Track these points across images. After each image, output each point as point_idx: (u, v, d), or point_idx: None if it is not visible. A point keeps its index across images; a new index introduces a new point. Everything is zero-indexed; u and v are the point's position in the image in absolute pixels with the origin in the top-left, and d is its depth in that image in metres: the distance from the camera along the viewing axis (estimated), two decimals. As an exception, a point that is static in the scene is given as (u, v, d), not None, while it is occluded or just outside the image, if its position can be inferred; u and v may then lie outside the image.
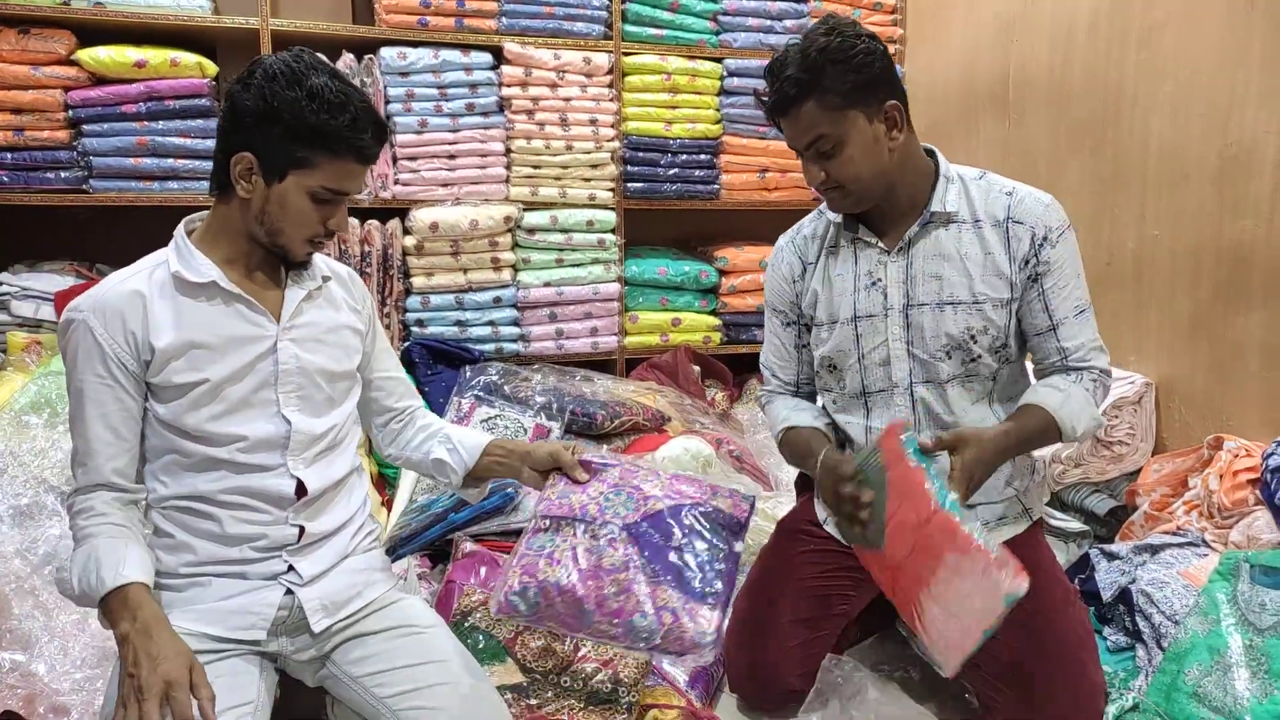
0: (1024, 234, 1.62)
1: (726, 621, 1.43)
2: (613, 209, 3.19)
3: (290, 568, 1.36)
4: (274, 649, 1.36)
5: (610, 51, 3.14)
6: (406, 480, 2.40)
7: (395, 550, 2.16)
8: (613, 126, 3.15)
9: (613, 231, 3.18)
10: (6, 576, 1.72)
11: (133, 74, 2.68)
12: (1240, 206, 2.22)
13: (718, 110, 3.30)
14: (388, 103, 2.93)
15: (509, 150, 3.06)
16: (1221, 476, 2.05)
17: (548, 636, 1.70)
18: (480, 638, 1.70)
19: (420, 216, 2.91)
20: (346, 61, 2.87)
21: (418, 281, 2.98)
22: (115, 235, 2.74)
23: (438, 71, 2.96)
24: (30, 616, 1.66)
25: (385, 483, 2.56)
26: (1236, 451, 2.08)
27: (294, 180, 1.31)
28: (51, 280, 2.72)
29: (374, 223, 2.91)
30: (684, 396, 2.99)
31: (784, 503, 2.36)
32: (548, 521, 1.43)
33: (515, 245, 3.09)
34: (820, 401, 1.85)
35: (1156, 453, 2.47)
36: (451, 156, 3.01)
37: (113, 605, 1.20)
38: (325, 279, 1.47)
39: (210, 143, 1.34)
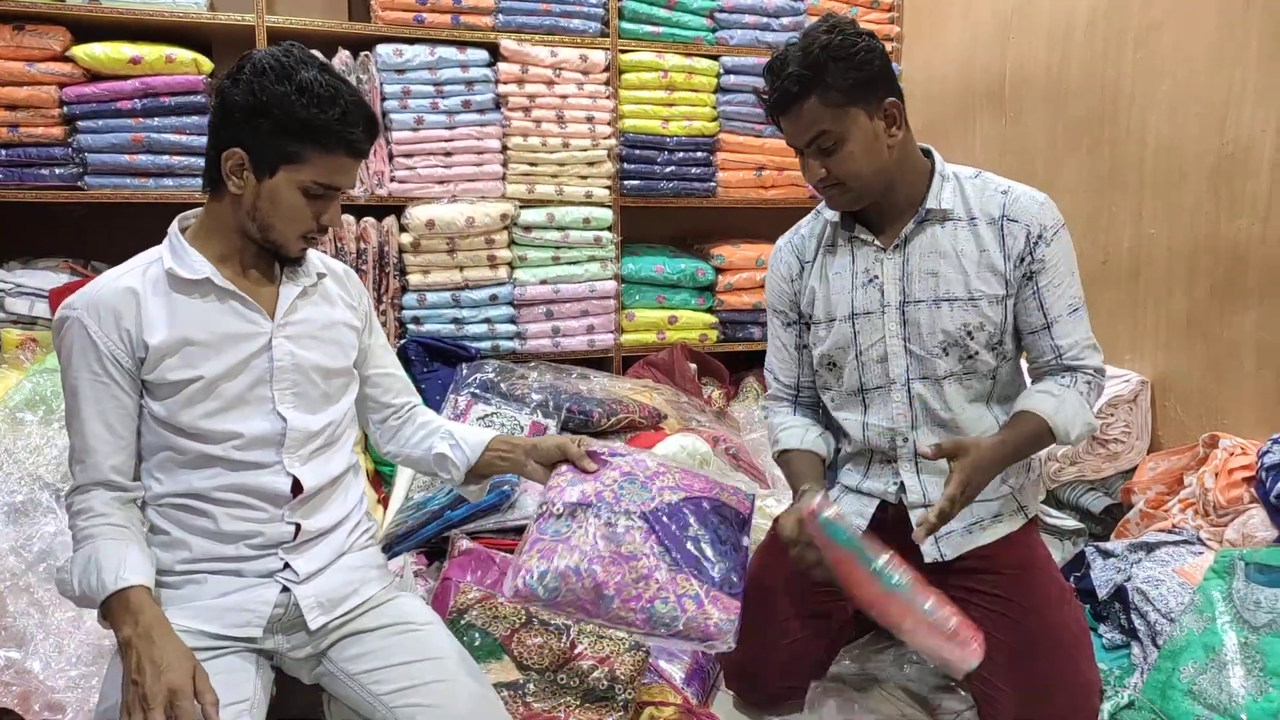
0: (1019, 232, 1.63)
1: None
2: (609, 207, 3.18)
3: (286, 565, 1.36)
4: (270, 646, 1.36)
5: (607, 49, 3.13)
6: (403, 478, 2.40)
7: (391, 548, 2.16)
8: (609, 124, 3.15)
9: (609, 229, 3.18)
10: (1, 574, 1.72)
11: (128, 70, 2.67)
12: (1237, 205, 2.23)
13: (714, 108, 3.29)
14: (384, 100, 2.92)
15: (505, 147, 3.06)
16: (1217, 474, 2.06)
17: (545, 634, 1.70)
18: (476, 635, 1.70)
19: (416, 214, 2.90)
20: (342, 58, 2.86)
21: (414, 279, 2.98)
22: (110, 232, 2.73)
23: (434, 68, 2.95)
24: (25, 614, 1.66)
25: (381, 480, 2.56)
26: (1232, 449, 2.09)
27: (285, 175, 1.30)
28: (46, 277, 2.71)
29: (370, 220, 2.91)
30: (681, 394, 2.99)
31: (781, 500, 2.37)
32: (560, 507, 1.42)
33: (512, 243, 3.09)
34: (823, 400, 1.85)
35: (1152, 451, 2.47)
36: (448, 154, 3.00)
37: (114, 608, 1.20)
38: (320, 275, 1.47)
39: (205, 140, 1.34)
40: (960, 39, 3.22)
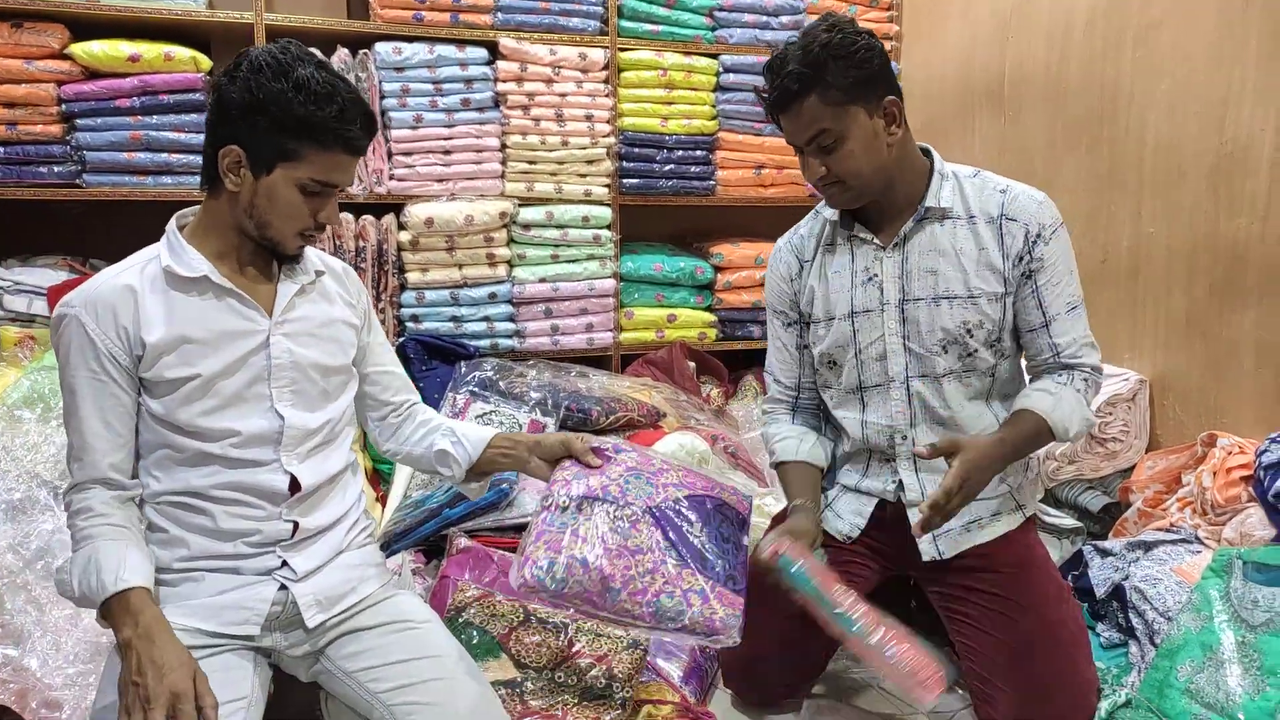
0: (1018, 230, 1.64)
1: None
2: (608, 205, 3.18)
3: (284, 563, 1.36)
4: (267, 644, 1.36)
5: (606, 47, 3.13)
6: (401, 476, 2.40)
7: (390, 546, 2.16)
8: (608, 122, 3.14)
9: (608, 228, 3.18)
10: (-1, 571, 1.72)
11: (126, 68, 2.66)
12: (1236, 204, 2.23)
13: (714, 106, 3.29)
14: (383, 98, 2.92)
15: (504, 146, 3.05)
16: (1215, 473, 2.06)
17: (543, 632, 1.70)
18: (474, 633, 1.70)
19: (415, 212, 2.90)
20: (341, 56, 2.86)
21: (413, 277, 2.98)
22: (109, 230, 2.73)
23: (433, 67, 2.95)
24: (23, 611, 1.66)
25: (380, 478, 2.56)
26: (1230, 449, 2.09)
27: (282, 172, 1.30)
28: (44, 275, 2.71)
29: (369, 218, 2.90)
30: (679, 393, 2.99)
31: (780, 500, 2.36)
32: (567, 500, 1.42)
33: (510, 241, 3.09)
34: (823, 398, 1.85)
35: (1150, 450, 2.47)
36: (447, 152, 3.00)
37: (114, 609, 1.20)
38: (319, 273, 1.47)
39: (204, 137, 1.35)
40: (959, 38, 3.22)
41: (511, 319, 3.12)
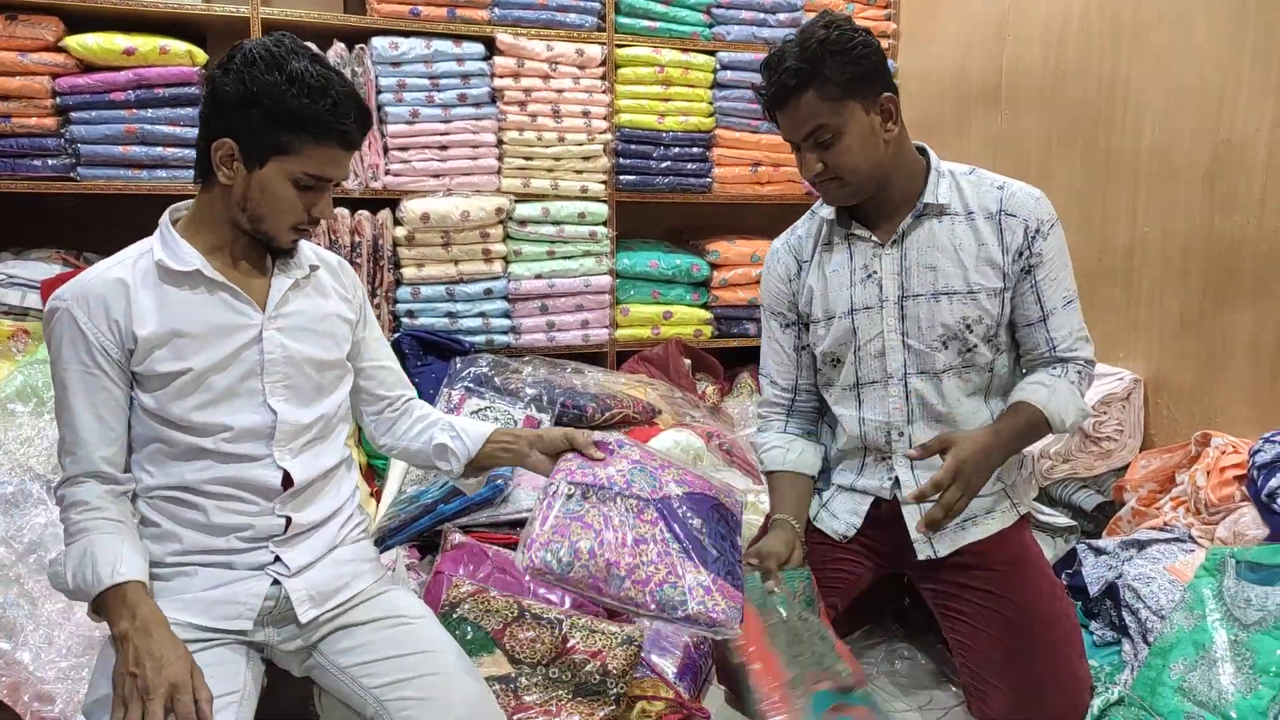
0: (1017, 226, 1.65)
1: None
2: (605, 201, 3.18)
3: (277, 558, 1.36)
4: (260, 639, 1.35)
5: (603, 43, 3.13)
6: (396, 471, 2.40)
7: (384, 541, 2.15)
8: (605, 119, 3.14)
9: (604, 224, 3.17)
10: (-9, 565, 1.71)
11: (121, 61, 2.65)
12: (1230, 204, 2.23)
13: (711, 103, 3.29)
14: (379, 93, 2.91)
15: (501, 142, 3.05)
16: (1209, 473, 2.06)
17: (537, 627, 1.70)
18: (469, 629, 1.70)
19: (411, 207, 2.89)
20: (338, 51, 2.85)
21: (408, 272, 2.97)
22: (103, 223, 2.72)
23: (429, 62, 2.94)
24: (15, 605, 1.65)
25: (374, 474, 2.56)
26: (1224, 448, 2.09)
27: (275, 166, 1.29)
28: (38, 268, 2.70)
29: (364, 213, 2.90)
30: (675, 390, 2.99)
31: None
32: (572, 488, 1.43)
33: (507, 237, 3.08)
34: (824, 396, 1.85)
35: (1144, 449, 2.48)
36: (443, 147, 3.00)
37: (109, 603, 1.19)
38: (314, 268, 1.46)
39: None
40: (956, 36, 3.22)
41: (507, 315, 3.11)
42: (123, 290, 1.29)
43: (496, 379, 2.62)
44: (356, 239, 2.89)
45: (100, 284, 1.29)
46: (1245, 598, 1.63)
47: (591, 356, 3.20)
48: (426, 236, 2.95)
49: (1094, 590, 1.92)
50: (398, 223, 2.94)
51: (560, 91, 3.08)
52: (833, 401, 1.81)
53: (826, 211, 1.78)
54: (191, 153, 1.37)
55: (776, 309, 1.86)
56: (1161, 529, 2.07)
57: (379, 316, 2.95)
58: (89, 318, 1.27)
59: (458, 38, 2.99)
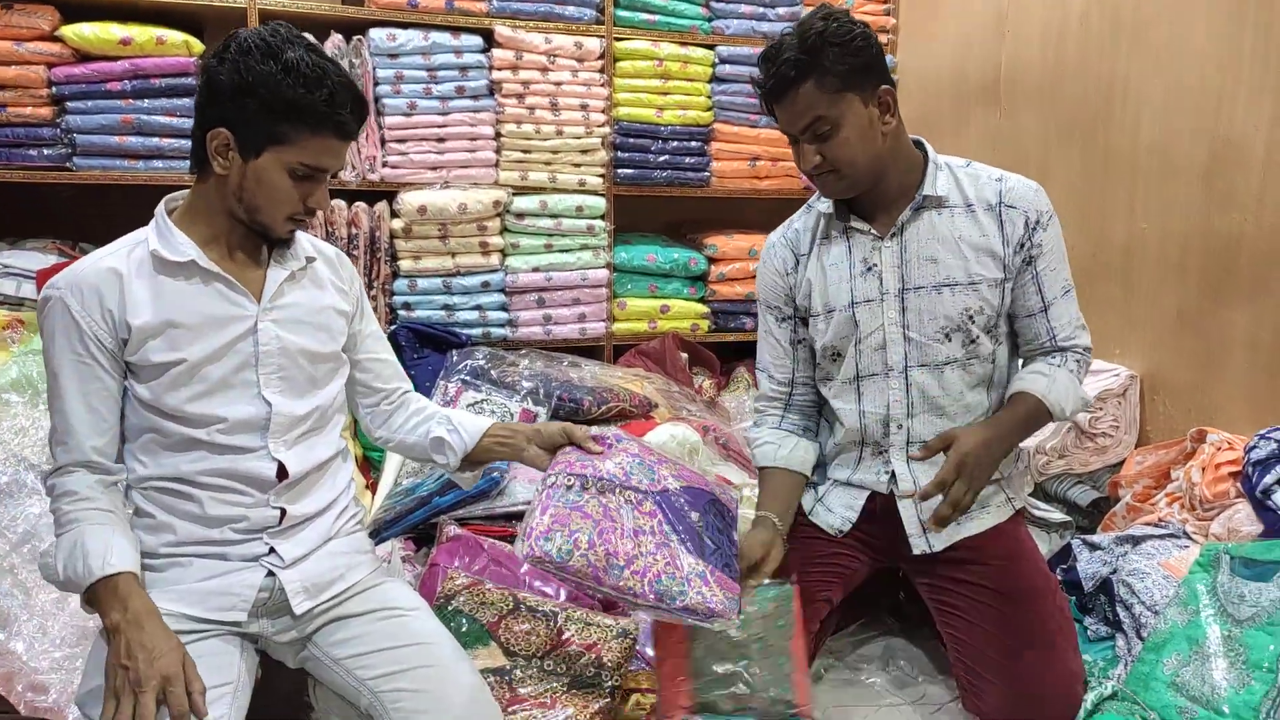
0: (1017, 218, 1.66)
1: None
2: (602, 195, 3.17)
3: (271, 550, 1.36)
4: (255, 630, 1.35)
5: (602, 36, 3.12)
6: (391, 463, 2.39)
7: (379, 533, 2.15)
8: (603, 112, 3.13)
9: (602, 218, 3.17)
10: (-15, 555, 1.71)
11: (118, 51, 2.64)
12: (1228, 201, 2.23)
13: (709, 97, 3.28)
14: (377, 84, 2.90)
15: (499, 134, 3.04)
16: (1204, 469, 2.07)
17: (532, 620, 1.70)
18: (464, 621, 1.70)
19: (408, 199, 2.89)
20: (335, 42, 2.84)
21: (405, 265, 2.97)
22: (99, 213, 2.71)
23: (427, 54, 2.93)
24: (9, 595, 1.65)
25: (370, 465, 2.55)
26: (1219, 444, 2.10)
27: (271, 156, 1.29)
28: (33, 258, 2.69)
29: (361, 205, 2.89)
30: (671, 383, 2.99)
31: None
32: (571, 480, 1.44)
33: (504, 230, 3.08)
34: (821, 391, 1.86)
35: (1140, 445, 2.48)
36: (441, 140, 2.99)
37: (101, 594, 1.19)
38: (310, 259, 1.45)
39: (194, 121, 1.36)
40: (955, 32, 3.21)
41: (504, 308, 3.11)
42: (117, 280, 1.28)
43: (493, 372, 2.62)
44: (353, 231, 2.88)
45: (94, 273, 1.28)
46: (1239, 593, 1.64)
47: (588, 350, 3.20)
48: (424, 229, 2.94)
49: (1088, 585, 1.92)
50: (395, 215, 2.93)
51: (558, 84, 3.07)
52: (831, 395, 1.81)
53: (824, 205, 1.78)
54: (188, 143, 1.36)
55: (773, 303, 1.86)
56: (1156, 525, 2.08)
57: (375, 309, 2.94)
58: (82, 307, 1.26)
59: (456, 29, 2.98)
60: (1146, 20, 2.44)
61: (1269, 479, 1.89)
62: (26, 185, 2.68)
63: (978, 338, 1.69)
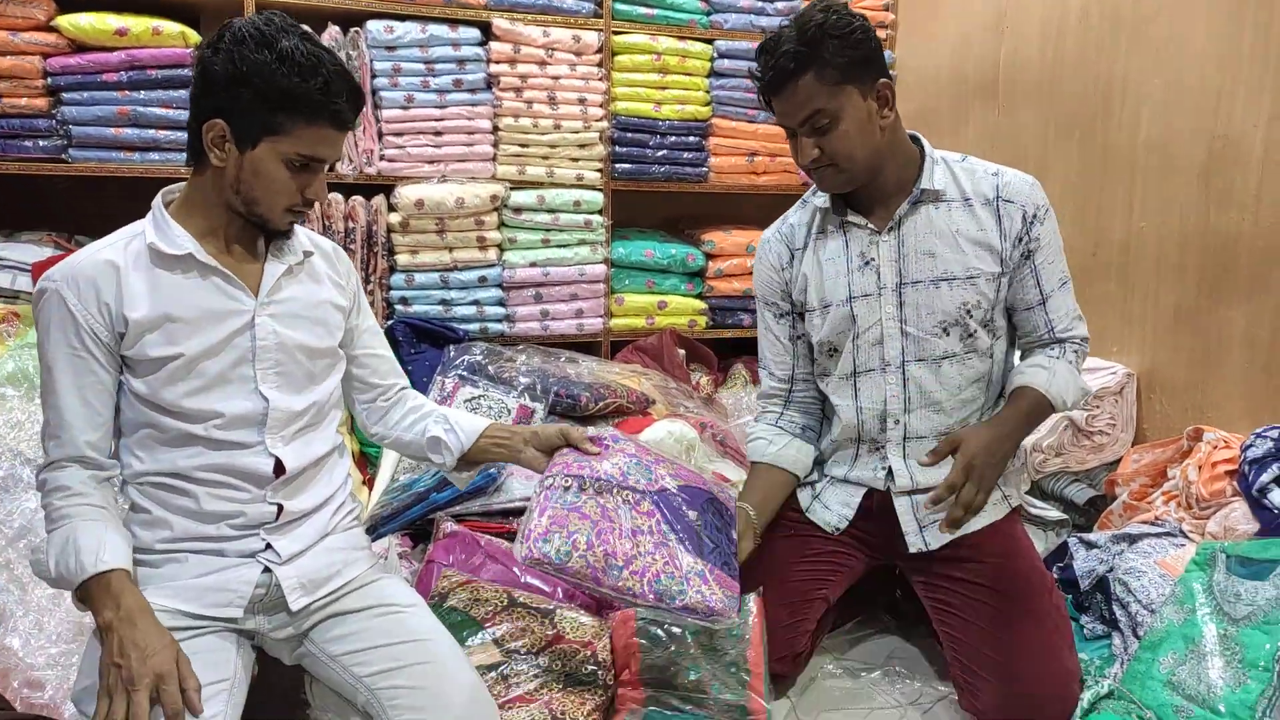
0: (1015, 212, 1.67)
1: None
2: (600, 190, 3.16)
3: (268, 546, 1.35)
4: (251, 627, 1.35)
5: (600, 30, 3.11)
6: (388, 459, 2.39)
7: (376, 529, 2.15)
8: (601, 106, 3.12)
9: (600, 213, 3.16)
10: (-20, 550, 1.70)
11: (114, 42, 2.63)
12: (1226, 200, 2.23)
13: (708, 92, 3.27)
14: (374, 77, 2.89)
15: (496, 128, 3.03)
16: (1200, 468, 2.07)
17: (527, 617, 1.70)
18: (458, 618, 1.69)
19: (405, 193, 2.88)
20: (332, 34, 2.83)
21: (402, 259, 2.95)
22: (95, 206, 2.70)
23: (425, 46, 2.92)
24: (5, 590, 1.64)
25: (367, 461, 2.55)
26: (1216, 443, 2.10)
27: (267, 147, 1.27)
28: (29, 250, 2.68)
29: (358, 199, 2.88)
30: (669, 380, 2.99)
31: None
32: (569, 481, 1.44)
33: (501, 224, 3.07)
34: (820, 387, 1.86)
35: (1136, 443, 2.48)
36: (438, 133, 2.98)
37: (93, 591, 1.18)
38: (308, 254, 1.45)
39: (190, 112, 1.35)
40: (954, 29, 3.21)
41: (501, 303, 3.10)
42: (113, 273, 1.27)
43: (490, 367, 2.61)
44: (350, 225, 2.87)
45: (91, 266, 1.27)
46: (1235, 592, 1.64)
47: (586, 346, 3.19)
48: (421, 223, 2.93)
49: (1085, 584, 1.92)
50: (392, 209, 2.92)
51: (556, 78, 3.06)
52: (829, 391, 1.81)
53: (820, 199, 1.77)
54: (184, 135, 1.35)
55: (770, 299, 1.86)
56: (1153, 523, 2.08)
57: (372, 303, 2.93)
58: (79, 300, 1.25)
59: (454, 22, 2.96)
60: (1146, 18, 2.44)
61: (1265, 477, 1.89)
62: (22, 177, 2.67)
63: (975, 332, 1.69)
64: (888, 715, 1.76)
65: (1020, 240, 1.68)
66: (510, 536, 2.04)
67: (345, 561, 1.43)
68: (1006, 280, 1.70)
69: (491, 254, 3.05)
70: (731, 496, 1.66)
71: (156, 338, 1.28)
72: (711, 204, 3.57)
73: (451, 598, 1.72)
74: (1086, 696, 1.62)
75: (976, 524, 1.71)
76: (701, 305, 3.34)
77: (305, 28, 1.31)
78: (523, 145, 3.06)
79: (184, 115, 2.68)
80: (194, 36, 2.70)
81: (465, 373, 2.57)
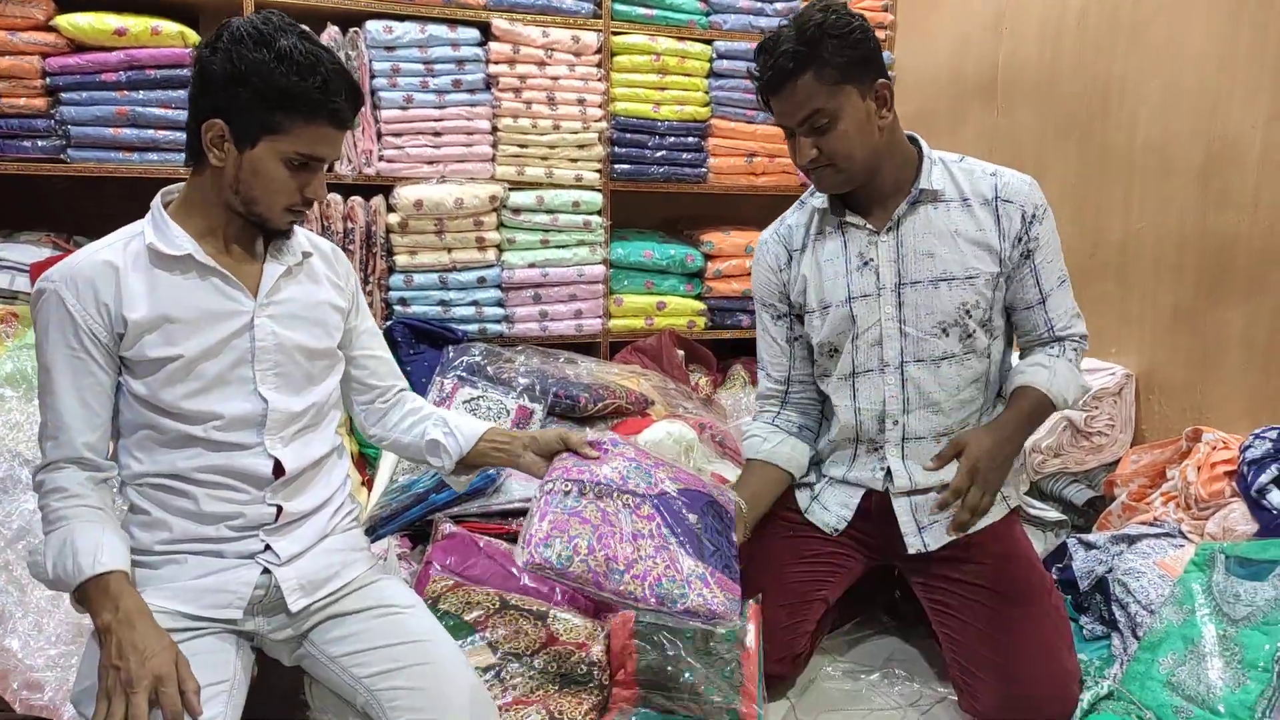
0: (1014, 212, 1.67)
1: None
2: (599, 190, 3.16)
3: (267, 547, 1.35)
4: (250, 628, 1.34)
5: (599, 30, 3.10)
6: (387, 460, 2.39)
7: (375, 530, 2.15)
8: (600, 107, 3.12)
9: (599, 213, 3.16)
10: (-21, 551, 1.70)
11: (113, 42, 2.62)
12: (1224, 200, 2.24)
13: (707, 93, 3.27)
14: (373, 77, 2.89)
15: (495, 129, 3.03)
16: (1199, 468, 2.07)
17: (521, 619, 1.70)
18: (451, 622, 1.69)
19: (404, 194, 2.87)
20: (331, 34, 2.82)
21: (401, 260, 2.95)
22: (93, 206, 2.70)
23: (424, 46, 2.92)
24: (4, 591, 1.64)
25: (366, 462, 2.55)
26: (1214, 444, 2.10)
27: (266, 146, 1.27)
28: (27, 251, 2.67)
29: (357, 199, 2.88)
30: (668, 380, 2.99)
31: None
32: (569, 485, 1.44)
33: (500, 225, 3.06)
34: (820, 387, 1.86)
35: (1135, 444, 2.49)
36: (437, 134, 2.97)
37: (91, 594, 1.18)
38: (306, 255, 1.44)
39: (189, 112, 1.34)
40: (953, 30, 3.21)
41: (500, 304, 3.10)
42: (112, 273, 1.27)
43: (489, 368, 2.61)
44: (349, 225, 2.87)
45: (89, 266, 1.27)
46: (1234, 593, 1.64)
47: (584, 346, 3.19)
48: (420, 224, 2.93)
49: (1084, 584, 1.93)
50: (391, 209, 2.92)
51: (555, 79, 3.06)
52: (830, 391, 1.81)
53: (818, 200, 1.77)
54: (183, 135, 1.35)
55: (768, 300, 1.86)
56: (1152, 524, 2.08)
57: (371, 304, 2.93)
58: (77, 300, 1.25)
59: (453, 22, 2.96)
60: (1144, 19, 2.44)
61: (1264, 478, 1.90)
62: (20, 177, 2.66)
63: (974, 333, 1.69)
64: (887, 716, 1.76)
65: (1019, 240, 1.68)
66: (509, 538, 2.04)
67: (344, 563, 1.43)
68: (1005, 280, 1.70)
69: (490, 255, 3.05)
70: (731, 499, 1.66)
71: (155, 339, 1.28)
72: (710, 205, 3.57)
73: (443, 602, 1.72)
74: (1086, 697, 1.63)
75: (977, 525, 1.71)
76: (700, 306, 3.34)
77: (304, 27, 1.31)
78: (522, 146, 3.06)
79: (183, 115, 2.66)
80: (193, 36, 2.69)
81: (464, 373, 2.57)
